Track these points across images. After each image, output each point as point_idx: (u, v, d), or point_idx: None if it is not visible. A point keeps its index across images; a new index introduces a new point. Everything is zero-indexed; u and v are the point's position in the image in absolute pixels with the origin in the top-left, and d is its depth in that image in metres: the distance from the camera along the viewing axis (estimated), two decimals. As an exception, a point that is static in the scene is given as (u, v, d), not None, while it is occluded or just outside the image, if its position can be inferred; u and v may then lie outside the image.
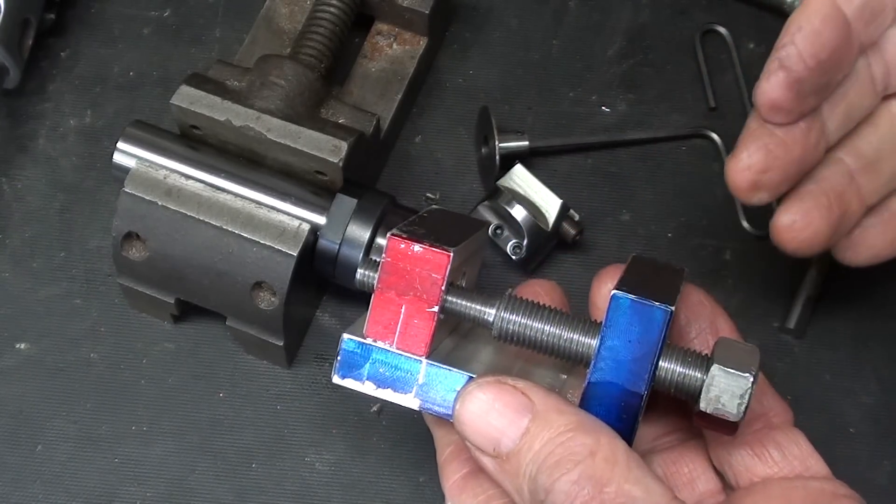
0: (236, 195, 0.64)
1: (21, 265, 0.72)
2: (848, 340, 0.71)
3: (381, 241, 0.64)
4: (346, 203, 0.64)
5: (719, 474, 0.53)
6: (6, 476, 0.66)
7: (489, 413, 0.46)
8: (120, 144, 0.66)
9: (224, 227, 0.63)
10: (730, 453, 0.52)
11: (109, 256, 0.67)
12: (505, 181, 0.70)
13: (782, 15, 0.78)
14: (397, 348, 0.49)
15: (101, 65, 0.77)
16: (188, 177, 0.65)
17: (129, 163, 0.65)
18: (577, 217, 0.70)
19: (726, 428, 0.48)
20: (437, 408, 0.49)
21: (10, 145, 0.75)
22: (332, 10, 0.71)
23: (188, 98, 0.64)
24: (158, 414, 0.68)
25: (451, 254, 0.48)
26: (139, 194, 0.64)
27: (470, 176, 0.75)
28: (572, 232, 0.70)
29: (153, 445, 0.67)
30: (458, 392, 0.48)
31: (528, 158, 0.73)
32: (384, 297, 0.49)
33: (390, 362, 0.49)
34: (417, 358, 0.49)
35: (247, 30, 0.75)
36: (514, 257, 0.69)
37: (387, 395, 0.50)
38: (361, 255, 0.64)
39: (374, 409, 0.68)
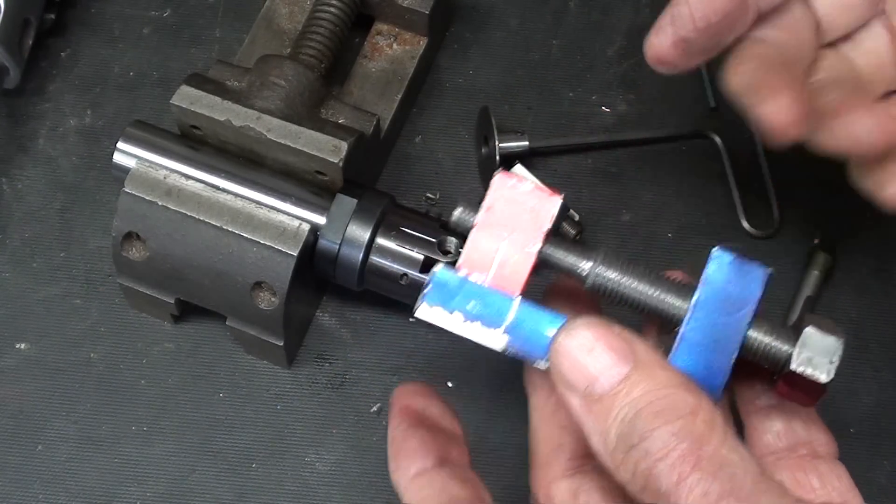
0: (236, 195, 0.64)
1: (21, 265, 0.72)
2: (848, 340, 0.70)
3: (381, 241, 0.64)
4: (346, 203, 0.64)
5: None
6: (6, 476, 0.66)
7: (591, 351, 0.45)
8: (120, 144, 0.66)
9: (224, 227, 0.63)
10: (771, 474, 0.51)
11: (109, 256, 0.67)
12: (505, 181, 0.70)
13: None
14: (492, 284, 0.48)
15: (101, 65, 0.77)
16: (188, 177, 0.65)
17: (129, 163, 0.65)
18: (577, 217, 0.70)
19: (811, 394, 0.48)
20: (524, 347, 0.47)
21: (10, 145, 0.75)
22: (332, 10, 0.71)
23: (188, 98, 0.64)
24: (158, 414, 0.68)
25: (563, 196, 0.48)
26: (139, 194, 0.64)
27: (470, 176, 0.75)
28: (572, 232, 0.70)
29: (153, 445, 0.67)
30: (561, 326, 0.46)
31: (528, 158, 0.73)
32: (485, 231, 0.48)
33: (482, 297, 0.48)
34: (511, 296, 0.47)
35: (247, 30, 0.75)
36: (514, 257, 0.69)
37: (474, 329, 0.48)
38: (361, 255, 0.64)
39: (374, 409, 0.68)
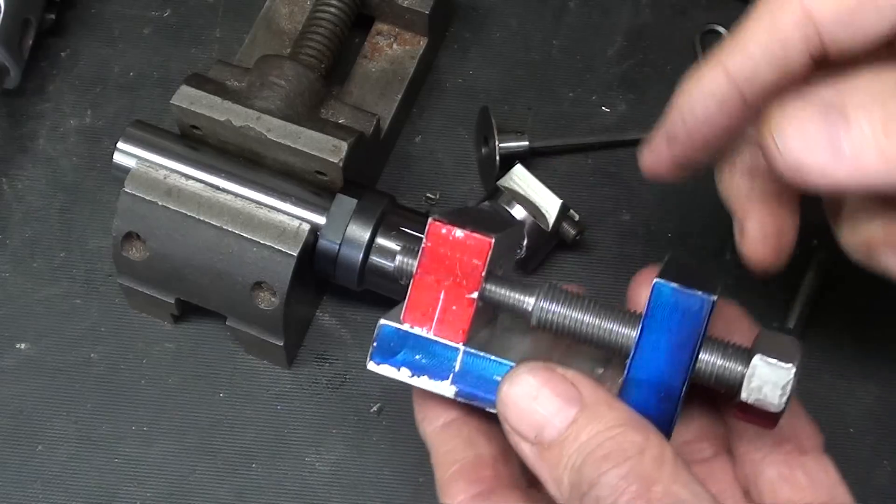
0: (236, 195, 0.64)
1: (21, 265, 0.72)
2: (848, 340, 0.71)
3: (381, 241, 0.64)
4: (346, 203, 0.64)
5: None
6: (6, 476, 0.66)
7: (536, 398, 0.45)
8: (120, 144, 0.66)
9: (224, 227, 0.63)
10: (758, 473, 0.51)
11: (109, 256, 0.67)
12: (505, 181, 0.70)
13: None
14: (435, 335, 0.48)
15: (101, 65, 0.77)
16: (188, 177, 0.65)
17: (129, 163, 0.65)
18: (577, 217, 0.70)
19: (767, 420, 0.47)
20: (473, 395, 0.48)
21: (10, 145, 0.75)
22: (332, 10, 0.71)
23: (188, 98, 0.64)
24: (158, 414, 0.68)
25: (493, 240, 0.48)
26: (139, 194, 0.64)
27: (470, 176, 0.75)
28: (572, 232, 0.70)
29: (153, 445, 0.67)
30: (505, 374, 0.47)
31: (528, 158, 0.73)
32: (423, 282, 0.48)
33: (427, 349, 0.48)
34: (455, 345, 0.48)
35: (247, 30, 0.75)
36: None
37: (422, 382, 0.49)
38: (361, 255, 0.64)
39: (374, 409, 0.68)
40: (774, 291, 0.71)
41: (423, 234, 0.64)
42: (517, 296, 0.49)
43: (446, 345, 0.48)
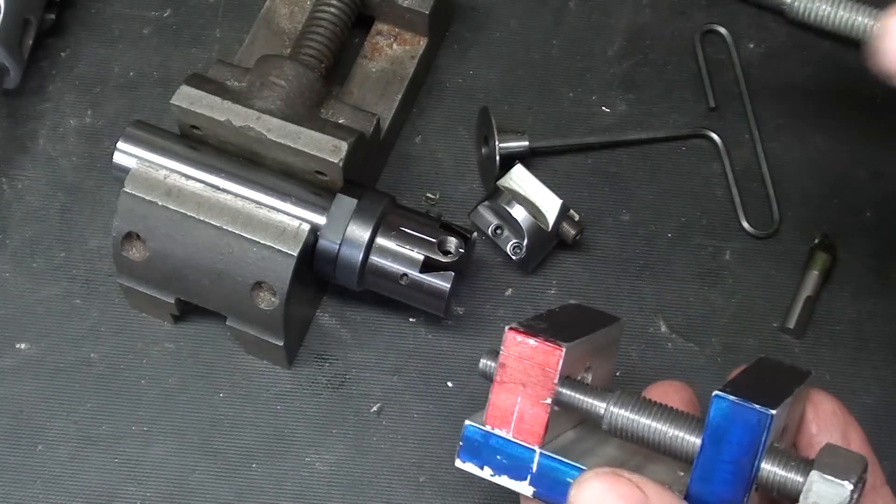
0: (236, 195, 0.64)
1: (21, 265, 0.72)
2: (848, 340, 0.71)
3: (381, 241, 0.64)
4: (346, 203, 0.64)
5: None
6: (6, 476, 0.66)
7: (603, 502, 0.47)
8: (120, 144, 0.66)
9: (224, 227, 0.63)
10: None
11: (109, 256, 0.67)
12: (505, 181, 0.70)
13: (782, 15, 0.78)
14: (513, 437, 0.51)
15: (101, 65, 0.77)
16: (188, 177, 0.65)
17: (129, 163, 0.65)
18: (577, 217, 0.70)
19: None
20: (549, 496, 0.50)
21: (10, 145, 0.75)
22: (332, 10, 0.71)
23: (188, 98, 0.64)
24: (158, 414, 0.68)
25: (564, 349, 0.50)
26: (139, 194, 0.64)
27: (470, 176, 0.75)
28: (572, 232, 0.70)
29: (153, 445, 0.67)
30: (575, 479, 0.48)
31: (528, 158, 0.73)
32: (502, 386, 0.51)
33: (507, 450, 0.51)
34: (532, 447, 0.50)
35: (247, 30, 0.75)
36: (514, 257, 0.69)
37: (503, 481, 0.51)
38: (361, 255, 0.64)
39: (374, 409, 0.68)
40: (775, 291, 0.71)
41: (422, 234, 0.65)
42: (591, 401, 0.51)
43: (524, 447, 0.51)
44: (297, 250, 0.62)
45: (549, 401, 0.50)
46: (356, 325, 0.70)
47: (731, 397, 0.48)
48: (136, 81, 0.77)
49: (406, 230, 0.65)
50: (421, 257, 0.64)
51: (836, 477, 0.47)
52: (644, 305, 0.71)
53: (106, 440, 0.67)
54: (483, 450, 0.51)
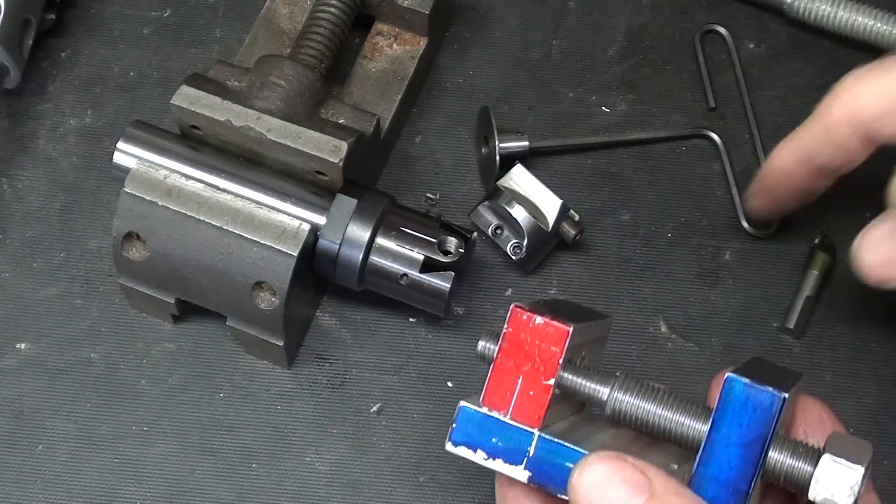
0: (236, 195, 0.64)
1: (21, 265, 0.72)
2: (848, 340, 0.71)
3: (381, 241, 0.64)
4: (346, 203, 0.64)
5: None
6: (6, 476, 0.66)
7: (606, 487, 0.46)
8: (120, 144, 0.66)
9: (224, 227, 0.63)
10: None
11: (109, 256, 0.67)
12: (505, 181, 0.70)
13: (782, 15, 0.78)
14: (511, 419, 0.50)
15: (101, 65, 0.77)
16: (188, 177, 0.65)
17: (129, 163, 0.65)
18: (577, 217, 0.70)
19: None
20: (546, 480, 0.49)
21: (10, 145, 0.75)
22: (332, 10, 0.71)
23: (188, 98, 0.64)
24: (158, 414, 0.68)
25: (572, 328, 0.49)
26: (139, 194, 0.64)
27: (470, 176, 0.75)
28: (572, 232, 0.70)
29: (153, 445, 0.67)
30: (577, 462, 0.48)
31: (528, 158, 0.73)
32: (502, 367, 0.50)
33: (503, 433, 0.50)
34: (530, 430, 0.49)
35: (247, 30, 0.75)
36: (514, 257, 0.69)
37: (497, 465, 0.50)
38: (361, 255, 0.64)
39: (374, 409, 0.68)
40: (775, 291, 0.71)
41: (422, 234, 0.65)
42: (593, 385, 0.50)
43: (522, 429, 0.49)
44: (297, 250, 0.63)
45: (551, 382, 0.49)
46: (356, 325, 0.70)
47: (745, 379, 0.47)
48: (136, 81, 0.77)
49: (406, 230, 0.65)
50: (421, 257, 0.64)
51: (847, 461, 0.47)
52: (644, 305, 0.71)
53: (106, 440, 0.67)
54: (477, 432, 0.50)
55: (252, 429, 0.67)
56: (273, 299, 0.63)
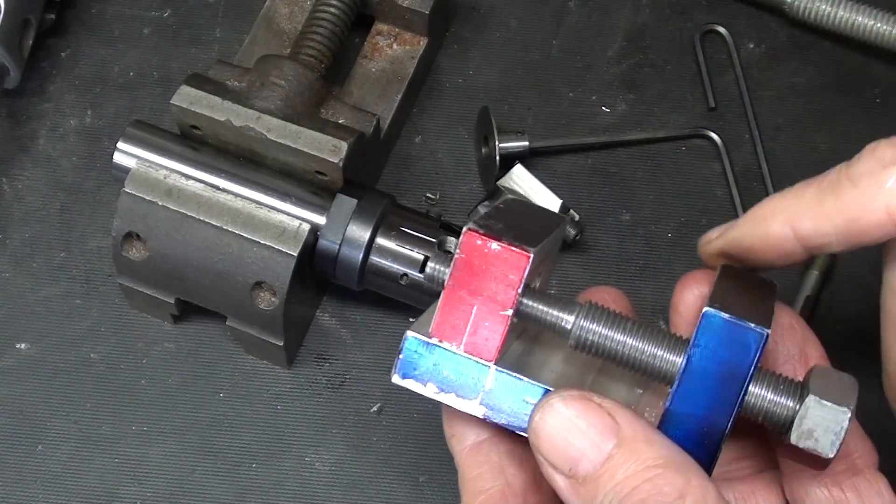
0: (236, 195, 0.64)
1: (21, 265, 0.72)
2: (848, 340, 0.71)
3: (381, 241, 0.64)
4: (346, 203, 0.64)
5: None
6: (6, 476, 0.66)
7: (571, 430, 0.43)
8: (120, 144, 0.66)
9: (224, 227, 0.63)
10: (807, 492, 0.48)
11: (109, 256, 0.67)
12: (505, 181, 0.70)
13: (782, 15, 0.78)
14: (465, 351, 0.45)
15: (101, 65, 0.77)
16: (188, 177, 0.65)
17: (129, 163, 0.65)
18: (577, 217, 0.70)
19: (816, 463, 0.45)
20: (502, 418, 0.45)
21: (10, 145, 0.75)
22: (332, 10, 0.71)
23: (188, 98, 0.64)
24: (158, 414, 0.68)
25: (532, 254, 0.44)
26: (139, 194, 0.64)
27: (470, 176, 0.75)
28: (572, 232, 0.70)
29: (153, 445, 0.67)
30: (538, 403, 0.44)
31: (528, 158, 0.73)
32: (454, 295, 0.45)
33: (456, 365, 0.45)
34: (486, 363, 0.45)
35: (247, 30, 0.75)
36: (514, 257, 0.69)
37: (449, 399, 0.46)
38: (361, 255, 0.64)
39: (374, 409, 0.68)
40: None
41: (422, 234, 0.64)
42: (556, 313, 0.46)
43: (476, 362, 0.45)
44: (297, 250, 0.63)
45: (510, 312, 0.45)
46: (356, 325, 0.70)
47: (724, 314, 0.44)
48: (136, 81, 0.77)
49: (406, 230, 0.65)
50: (421, 257, 0.64)
51: (834, 402, 0.44)
52: (644, 305, 0.71)
53: (106, 440, 0.67)
54: (427, 365, 0.45)
55: (252, 429, 0.67)
56: (273, 299, 0.63)
